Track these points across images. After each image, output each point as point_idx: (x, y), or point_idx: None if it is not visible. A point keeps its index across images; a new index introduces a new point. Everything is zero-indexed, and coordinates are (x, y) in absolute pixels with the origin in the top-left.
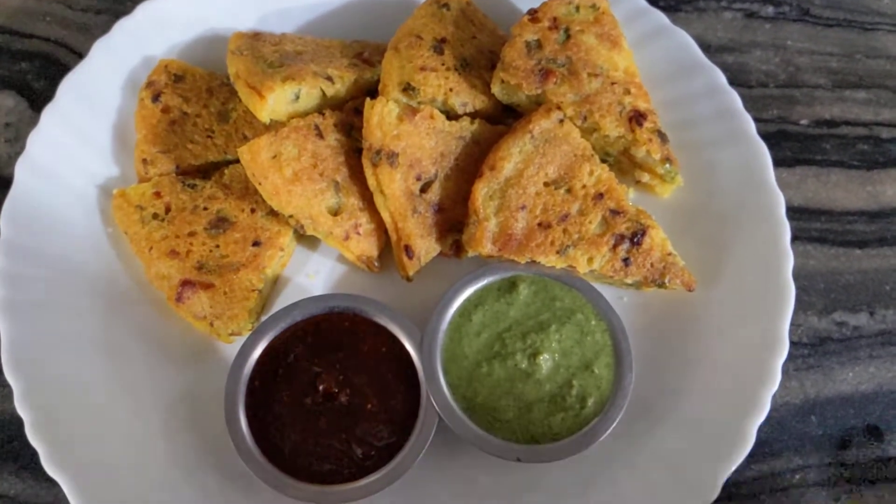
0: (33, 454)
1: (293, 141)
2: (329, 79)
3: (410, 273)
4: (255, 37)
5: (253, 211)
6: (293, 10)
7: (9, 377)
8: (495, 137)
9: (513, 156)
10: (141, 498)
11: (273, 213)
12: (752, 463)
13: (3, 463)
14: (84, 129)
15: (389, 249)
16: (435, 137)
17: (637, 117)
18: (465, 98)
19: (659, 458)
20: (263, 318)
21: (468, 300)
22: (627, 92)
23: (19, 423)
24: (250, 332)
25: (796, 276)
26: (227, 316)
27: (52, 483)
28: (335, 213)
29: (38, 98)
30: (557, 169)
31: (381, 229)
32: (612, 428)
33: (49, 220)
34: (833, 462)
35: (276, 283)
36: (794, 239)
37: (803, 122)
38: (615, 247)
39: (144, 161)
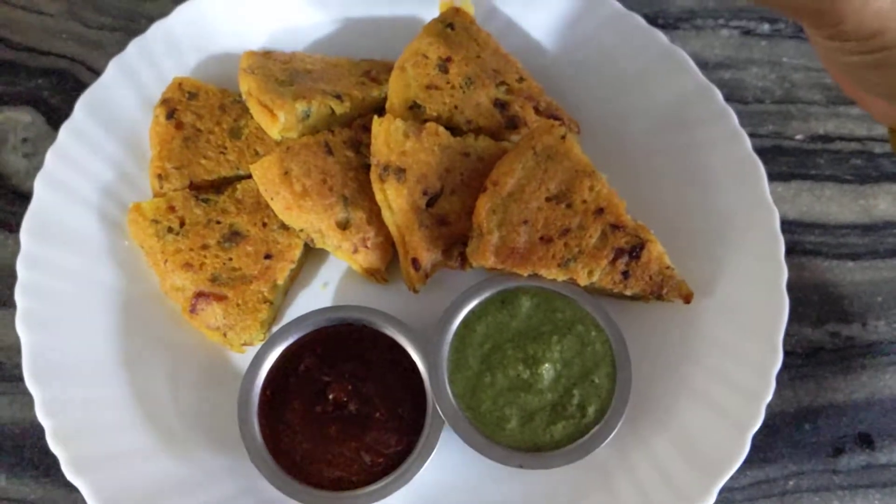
0: (53, 461)
1: (303, 157)
2: (338, 97)
3: (417, 285)
4: (266, 55)
5: (265, 225)
6: (303, 29)
7: (30, 386)
8: (499, 153)
9: (516, 171)
10: (157, 503)
11: (284, 227)
12: (747, 469)
13: (24, 469)
14: (100, 145)
15: (396, 262)
16: (441, 153)
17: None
18: (470, 115)
19: (655, 466)
20: (275, 329)
21: (472, 312)
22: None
23: (40, 430)
24: (262, 343)
25: (790, 288)
26: (239, 327)
27: (71, 489)
28: (344, 227)
29: (54, 114)
30: (559, 184)
31: (388, 243)
32: (611, 436)
33: (67, 234)
34: (826, 469)
35: (287, 295)
36: (789, 252)
37: (798, 137)
38: (615, 260)
39: (159, 176)
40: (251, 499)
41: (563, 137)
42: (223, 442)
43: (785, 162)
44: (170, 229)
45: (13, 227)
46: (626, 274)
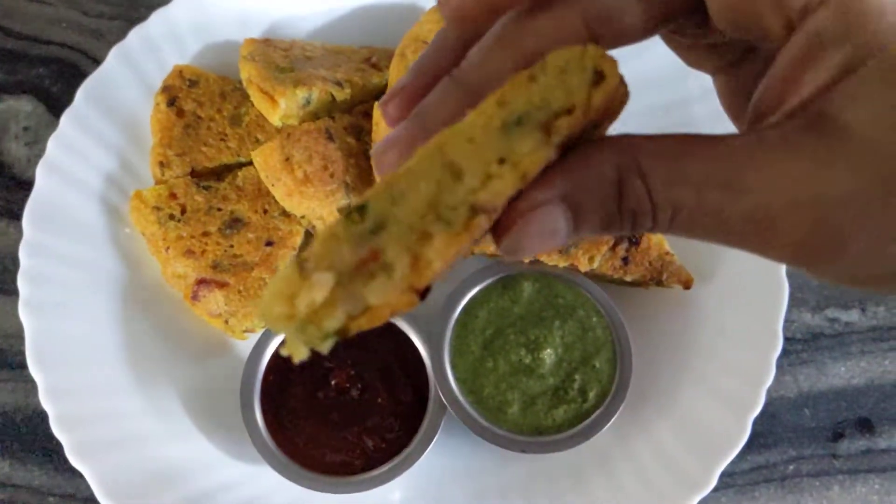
0: (57, 447)
1: (304, 144)
2: (339, 84)
3: None
4: (267, 43)
5: (266, 212)
6: (303, 16)
7: (33, 372)
8: None
9: None
10: (161, 488)
11: (285, 214)
12: (748, 454)
13: (28, 455)
14: (102, 133)
15: None
16: None
17: None
18: None
19: (656, 451)
20: None
21: (474, 298)
22: None
23: (43, 416)
24: (264, 330)
25: (790, 274)
26: (241, 314)
27: (74, 474)
28: None
29: (55, 102)
30: None
31: None
32: (612, 420)
33: (69, 222)
34: (826, 454)
35: None
36: None
37: None
38: (615, 246)
39: (160, 164)
40: (254, 483)
41: None
42: (226, 428)
43: None
44: (171, 216)
45: (14, 215)
46: (626, 260)
